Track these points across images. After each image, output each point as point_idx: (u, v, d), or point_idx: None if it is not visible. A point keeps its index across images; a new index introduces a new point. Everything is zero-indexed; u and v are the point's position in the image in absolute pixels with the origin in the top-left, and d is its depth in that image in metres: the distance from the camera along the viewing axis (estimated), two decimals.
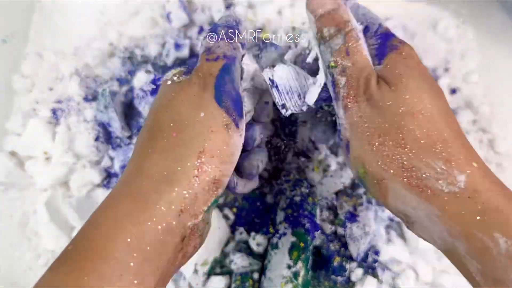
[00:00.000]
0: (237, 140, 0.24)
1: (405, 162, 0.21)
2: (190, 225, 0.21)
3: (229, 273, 0.35)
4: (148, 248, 0.19)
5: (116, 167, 0.37)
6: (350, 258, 0.35)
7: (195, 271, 0.32)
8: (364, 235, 0.34)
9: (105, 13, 0.42)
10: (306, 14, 0.25)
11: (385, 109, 0.22)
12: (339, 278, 0.34)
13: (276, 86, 0.26)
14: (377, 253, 0.35)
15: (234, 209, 0.36)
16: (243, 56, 0.27)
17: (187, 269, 0.33)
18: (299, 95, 0.27)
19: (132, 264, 0.18)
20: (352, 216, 0.35)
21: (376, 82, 0.23)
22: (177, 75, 0.25)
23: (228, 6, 0.41)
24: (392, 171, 0.21)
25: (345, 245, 0.35)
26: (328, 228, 0.36)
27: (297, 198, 0.35)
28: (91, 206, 0.36)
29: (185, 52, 0.39)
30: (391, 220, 0.36)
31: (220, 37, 0.25)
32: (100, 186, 0.37)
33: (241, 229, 0.36)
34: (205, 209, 0.22)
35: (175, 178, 0.20)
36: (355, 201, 0.36)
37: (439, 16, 0.44)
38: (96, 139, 0.37)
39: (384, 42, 0.24)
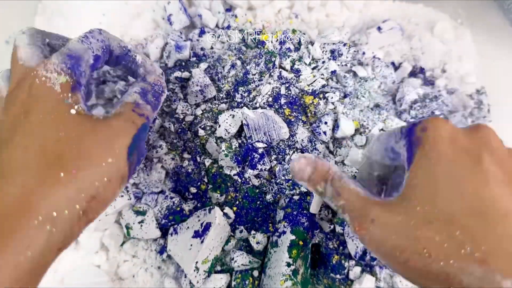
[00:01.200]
0: (120, 190, 0.25)
1: (439, 271, 0.18)
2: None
3: (229, 271, 0.35)
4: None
5: None
6: (349, 257, 0.35)
7: (196, 269, 0.33)
8: None
9: (106, 15, 0.42)
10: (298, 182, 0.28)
11: (395, 226, 0.20)
12: (338, 276, 0.35)
13: (247, 124, 0.35)
14: None
15: (235, 208, 0.37)
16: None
17: (187, 267, 0.33)
18: (264, 133, 0.36)
19: None
20: None
21: (380, 207, 0.22)
22: (70, 98, 0.23)
23: (228, 9, 0.42)
24: (429, 281, 0.19)
25: (343, 244, 0.36)
26: (327, 226, 0.36)
27: (296, 197, 0.36)
28: None
29: (185, 54, 0.40)
30: None
31: (149, 99, 0.28)
32: None
33: (241, 227, 0.36)
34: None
35: (61, 220, 0.21)
36: None
37: (436, 17, 0.45)
38: None
39: (409, 139, 0.22)
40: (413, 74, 0.42)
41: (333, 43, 0.40)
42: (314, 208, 0.32)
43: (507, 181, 0.19)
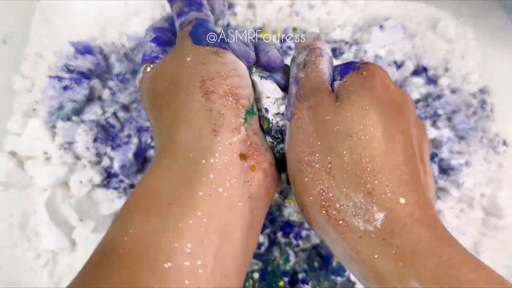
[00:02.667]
0: (232, 57, 0.23)
1: (326, 189, 0.19)
2: (238, 140, 0.20)
3: None
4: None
5: (116, 167, 0.37)
6: None
7: None
8: None
9: (105, 13, 0.42)
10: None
11: (322, 125, 0.20)
12: (339, 279, 0.34)
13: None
14: None
15: None
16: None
17: None
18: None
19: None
20: None
21: (325, 96, 0.21)
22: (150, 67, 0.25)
23: (228, 7, 0.41)
24: (311, 197, 0.20)
25: None
26: None
27: None
28: (91, 206, 0.36)
29: None
30: None
31: (191, 8, 0.26)
32: (100, 186, 0.37)
33: None
34: (242, 121, 0.21)
35: (189, 114, 0.21)
36: None
37: (439, 16, 0.44)
38: (95, 139, 0.37)
39: (348, 64, 0.24)
40: (415, 73, 0.41)
41: (335, 42, 0.39)
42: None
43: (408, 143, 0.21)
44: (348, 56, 0.39)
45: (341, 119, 0.20)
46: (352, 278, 0.34)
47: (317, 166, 0.20)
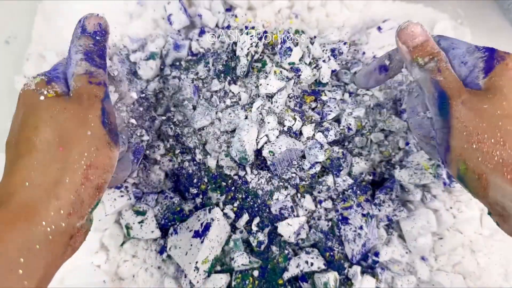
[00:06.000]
0: (116, 154, 0.27)
1: (504, 158, 0.23)
2: (78, 226, 0.24)
3: (229, 271, 0.35)
4: (38, 246, 0.21)
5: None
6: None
7: (196, 269, 0.33)
8: (357, 237, 0.35)
9: (106, 15, 0.42)
10: (396, 42, 0.29)
11: (482, 111, 0.24)
12: (337, 277, 0.35)
13: (273, 164, 0.36)
14: (377, 254, 0.35)
15: (235, 208, 0.37)
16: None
17: (187, 267, 0.33)
18: (288, 163, 0.36)
19: (22, 260, 0.21)
20: (344, 219, 0.36)
21: (471, 92, 0.25)
22: (45, 89, 0.26)
23: (228, 9, 0.42)
24: (491, 165, 0.23)
25: (343, 243, 0.36)
26: (325, 225, 0.36)
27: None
28: None
29: (183, 53, 0.40)
30: (390, 220, 0.36)
31: (97, 62, 0.28)
32: None
33: (242, 228, 0.36)
34: (90, 211, 0.25)
35: (64, 188, 0.23)
36: (343, 205, 0.36)
37: (437, 17, 0.45)
38: None
39: (491, 55, 0.26)
40: None
41: (333, 43, 0.40)
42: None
43: None
44: (346, 56, 0.40)
45: (499, 106, 0.24)
46: (350, 276, 0.35)
47: (490, 141, 0.23)
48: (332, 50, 0.40)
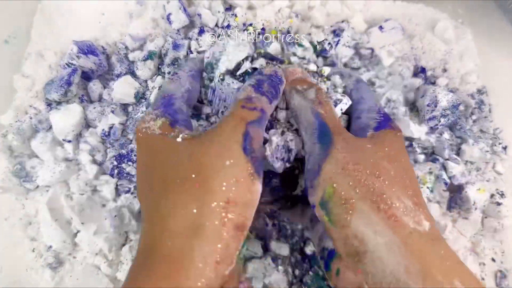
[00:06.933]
0: (259, 187, 0.23)
1: (376, 188, 0.22)
2: (227, 273, 0.21)
3: None
4: None
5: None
6: None
7: None
8: None
9: (106, 14, 0.42)
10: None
11: (364, 148, 0.24)
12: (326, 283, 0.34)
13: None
14: None
15: None
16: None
17: None
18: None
19: None
20: None
21: (351, 135, 0.26)
22: (173, 132, 0.24)
23: (228, 8, 0.41)
24: (361, 192, 0.22)
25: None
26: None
27: None
28: (92, 206, 0.36)
29: (182, 52, 0.39)
30: None
31: (264, 90, 0.26)
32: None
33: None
34: (237, 254, 0.22)
35: (205, 234, 0.20)
36: None
37: (437, 17, 0.44)
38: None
39: (387, 121, 0.28)
40: (414, 74, 0.42)
41: (331, 26, 0.40)
42: None
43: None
44: (348, 36, 0.40)
45: (380, 149, 0.24)
46: None
47: (366, 171, 0.22)
48: (334, 31, 0.40)
